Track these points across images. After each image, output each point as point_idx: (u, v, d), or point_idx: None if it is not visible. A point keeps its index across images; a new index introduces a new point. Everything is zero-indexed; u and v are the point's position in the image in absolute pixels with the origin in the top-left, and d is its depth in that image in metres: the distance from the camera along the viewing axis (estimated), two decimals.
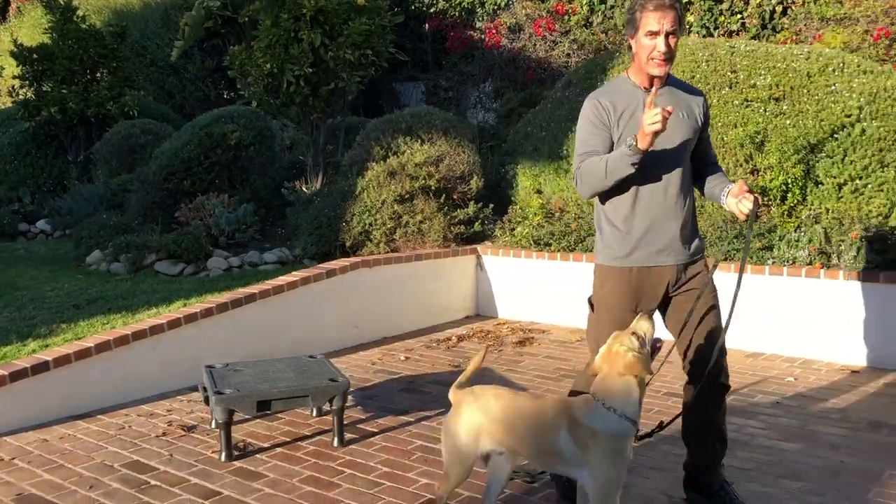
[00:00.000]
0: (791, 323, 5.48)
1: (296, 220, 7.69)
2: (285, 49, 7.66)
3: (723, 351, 3.14)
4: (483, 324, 6.51)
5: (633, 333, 2.76)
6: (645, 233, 3.07)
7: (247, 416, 4.30)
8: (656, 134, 2.80)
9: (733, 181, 3.21)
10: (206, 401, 4.01)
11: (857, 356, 5.22)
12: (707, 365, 3.07)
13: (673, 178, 3.06)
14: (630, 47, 3.06)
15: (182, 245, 6.93)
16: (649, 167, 2.98)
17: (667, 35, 2.94)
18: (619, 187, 3.02)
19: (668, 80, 3.12)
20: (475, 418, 2.84)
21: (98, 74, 11.50)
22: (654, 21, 2.94)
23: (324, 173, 8.44)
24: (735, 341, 5.65)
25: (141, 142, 10.20)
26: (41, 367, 4.36)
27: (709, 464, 3.24)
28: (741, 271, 3.19)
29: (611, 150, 3.04)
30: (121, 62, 11.83)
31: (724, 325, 3.13)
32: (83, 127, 11.33)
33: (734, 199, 3.08)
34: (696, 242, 3.18)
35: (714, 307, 3.17)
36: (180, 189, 8.80)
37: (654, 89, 2.96)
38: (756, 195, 3.08)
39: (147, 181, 8.92)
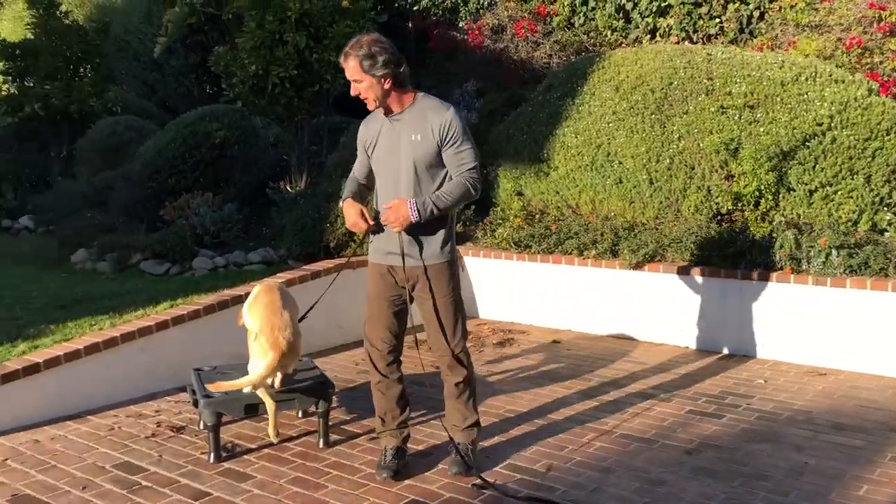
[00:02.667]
0: (762, 326, 5.66)
1: (280, 220, 7.80)
2: (270, 51, 7.75)
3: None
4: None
5: None
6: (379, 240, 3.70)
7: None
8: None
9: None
10: (195, 403, 4.12)
11: (824, 359, 5.41)
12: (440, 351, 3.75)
13: (401, 192, 3.58)
14: None
15: (167, 245, 7.02)
16: (383, 187, 3.66)
17: (354, 81, 3.52)
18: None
19: (415, 101, 3.59)
20: None
21: (81, 70, 11.52)
22: (346, 70, 3.54)
23: (308, 173, 8.54)
24: (707, 344, 5.85)
25: (124, 139, 10.25)
26: (32, 369, 4.45)
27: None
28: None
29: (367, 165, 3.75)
30: (104, 58, 11.87)
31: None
32: (66, 123, 11.36)
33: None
34: (426, 247, 3.63)
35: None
36: (164, 187, 8.87)
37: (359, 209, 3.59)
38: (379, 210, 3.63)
39: (131, 179, 8.99)
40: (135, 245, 7.09)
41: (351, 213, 3.58)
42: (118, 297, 6.04)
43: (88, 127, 11.00)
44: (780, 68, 6.62)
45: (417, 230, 3.58)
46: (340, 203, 3.72)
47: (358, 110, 3.97)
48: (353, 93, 3.58)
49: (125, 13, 14.48)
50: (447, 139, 3.56)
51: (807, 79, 6.49)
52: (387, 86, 3.50)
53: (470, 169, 3.59)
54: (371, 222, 3.59)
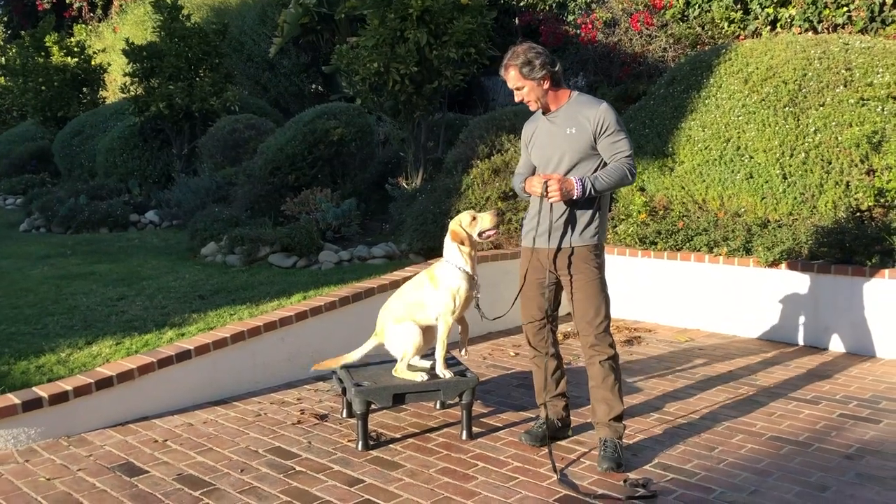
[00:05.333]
0: None
1: (399, 215, 7.89)
2: (391, 48, 7.84)
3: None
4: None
5: (473, 216, 4.04)
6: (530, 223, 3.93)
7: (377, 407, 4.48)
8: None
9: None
10: (344, 392, 4.20)
11: None
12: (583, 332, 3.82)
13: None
14: None
15: (295, 239, 7.20)
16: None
17: (516, 89, 3.75)
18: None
19: (572, 99, 3.79)
20: None
21: (201, 71, 11.96)
22: (507, 80, 3.78)
23: (424, 169, 8.61)
24: (850, 345, 5.59)
25: (244, 136, 10.57)
26: (184, 356, 4.64)
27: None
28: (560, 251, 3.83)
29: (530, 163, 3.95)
30: (222, 59, 12.26)
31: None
32: (188, 121, 11.80)
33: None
34: (575, 230, 3.77)
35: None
36: (285, 183, 9.12)
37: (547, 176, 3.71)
38: (547, 179, 3.66)
39: (253, 175, 9.26)
40: (263, 239, 7.30)
41: (537, 184, 3.71)
42: (252, 289, 6.23)
43: (209, 125, 11.40)
44: None
45: (569, 212, 3.74)
46: (517, 186, 3.99)
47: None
48: (517, 99, 3.82)
49: (239, 15, 14.98)
50: (602, 130, 3.71)
51: None
52: (546, 86, 3.75)
53: (627, 156, 3.73)
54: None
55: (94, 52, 15.55)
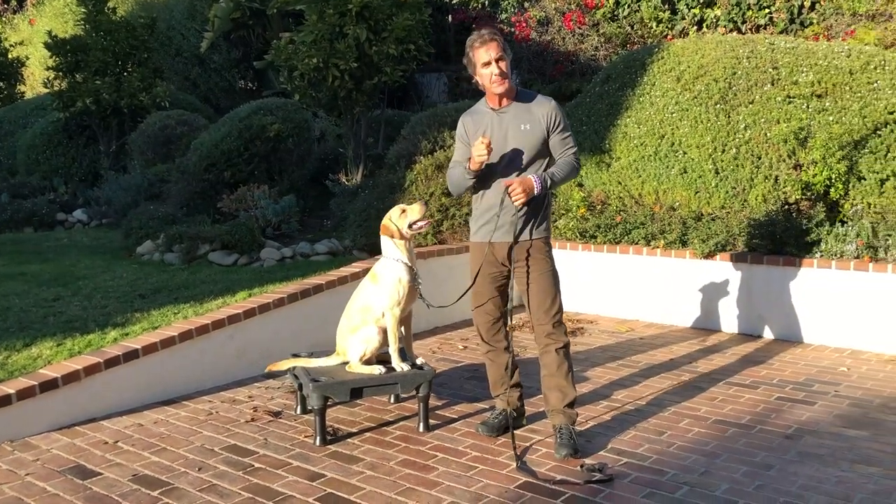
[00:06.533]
0: (839, 315, 5.66)
1: (341, 211, 7.86)
2: (331, 44, 7.81)
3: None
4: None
5: (402, 209, 4.10)
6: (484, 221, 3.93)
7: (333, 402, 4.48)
8: (481, 164, 3.69)
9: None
10: (300, 388, 4.19)
11: None
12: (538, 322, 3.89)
13: (513, 177, 3.80)
14: (477, 83, 3.83)
15: (236, 236, 7.10)
16: (492, 174, 3.81)
17: (496, 61, 3.69)
18: (477, 186, 3.89)
19: (518, 95, 3.85)
20: None
21: (129, 66, 11.63)
22: (483, 54, 3.71)
23: (364, 166, 8.60)
24: (782, 332, 5.85)
25: (176, 132, 10.34)
26: (132, 355, 4.55)
27: None
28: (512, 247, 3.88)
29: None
30: (151, 53, 11.95)
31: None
32: (116, 117, 11.46)
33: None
34: (532, 224, 3.84)
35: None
36: (220, 180, 8.96)
37: (484, 138, 3.69)
38: (508, 185, 3.71)
39: (187, 172, 9.07)
40: (203, 236, 7.17)
41: (480, 146, 3.67)
42: (194, 287, 6.12)
43: (138, 121, 11.10)
44: (848, 57, 6.61)
45: (528, 206, 3.82)
46: (460, 169, 3.90)
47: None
48: (497, 71, 3.72)
49: (167, 9, 14.62)
50: (555, 126, 3.84)
51: (875, 67, 6.48)
52: (509, 70, 3.80)
53: (574, 151, 3.90)
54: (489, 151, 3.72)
55: (11, 45, 14.94)
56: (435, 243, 6.91)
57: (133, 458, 3.89)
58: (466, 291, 4.09)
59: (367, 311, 4.16)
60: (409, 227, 4.13)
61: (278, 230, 7.95)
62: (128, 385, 4.54)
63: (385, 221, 4.18)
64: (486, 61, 3.72)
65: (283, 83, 8.69)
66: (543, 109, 3.83)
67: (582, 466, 3.68)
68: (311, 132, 9.65)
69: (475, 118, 3.94)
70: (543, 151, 3.85)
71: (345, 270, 5.82)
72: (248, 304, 5.25)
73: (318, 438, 4.02)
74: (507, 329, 4.10)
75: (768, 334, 5.92)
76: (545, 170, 3.85)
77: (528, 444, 3.99)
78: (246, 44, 13.56)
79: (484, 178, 3.86)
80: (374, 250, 6.94)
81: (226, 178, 8.93)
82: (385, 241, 4.18)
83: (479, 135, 3.85)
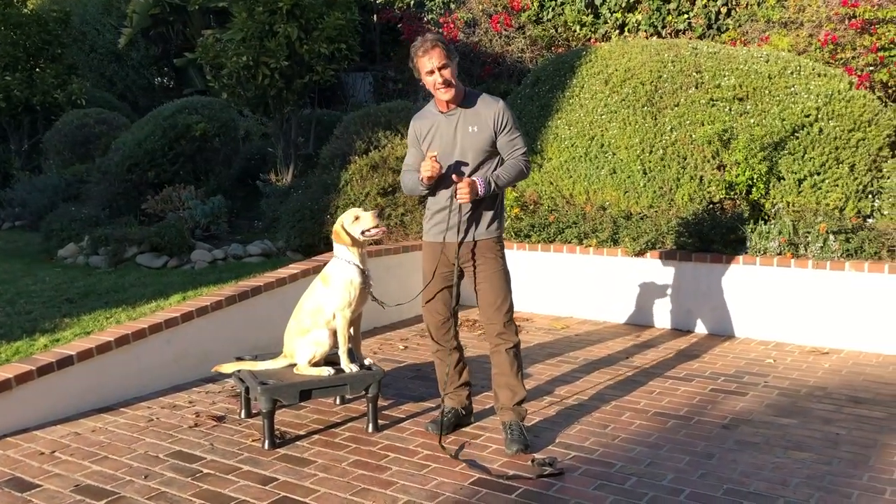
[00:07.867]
0: (764, 309, 5.92)
1: (273, 212, 7.75)
2: (261, 42, 7.69)
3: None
4: (468, 312, 6.75)
5: (356, 216, 4.11)
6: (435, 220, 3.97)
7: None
8: (431, 177, 3.75)
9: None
10: (248, 391, 4.12)
11: (825, 339, 5.70)
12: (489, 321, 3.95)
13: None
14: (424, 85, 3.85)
15: (165, 238, 6.92)
16: (443, 176, 3.81)
17: (439, 69, 3.70)
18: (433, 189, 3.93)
19: (466, 97, 3.86)
20: None
21: (42, 61, 11.18)
22: (426, 62, 3.71)
23: (295, 166, 8.50)
24: (712, 326, 6.08)
25: (95, 132, 10.02)
26: (66, 362, 4.38)
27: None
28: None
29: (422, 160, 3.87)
30: (64, 49, 11.52)
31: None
32: (28, 115, 11.00)
33: None
34: (480, 224, 3.89)
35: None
36: (144, 180, 8.74)
37: (431, 155, 3.75)
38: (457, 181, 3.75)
39: (109, 172, 8.80)
40: (130, 238, 6.96)
41: (427, 163, 3.75)
42: (124, 291, 5.94)
43: (52, 120, 10.70)
44: (767, 62, 6.91)
45: (474, 208, 3.86)
46: (409, 181, 3.98)
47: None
48: (433, 83, 3.76)
49: (81, 3, 14.10)
50: (502, 128, 3.87)
51: (792, 72, 6.80)
52: (455, 73, 3.78)
53: (523, 153, 3.91)
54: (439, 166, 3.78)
55: None
56: (371, 243, 6.88)
57: (73, 467, 3.75)
58: (423, 290, 4.10)
59: (318, 314, 4.13)
60: (362, 233, 4.12)
61: (207, 231, 7.79)
62: (62, 393, 4.38)
63: (336, 228, 4.15)
64: (429, 70, 3.73)
65: (209, 81, 8.51)
66: (491, 110, 3.85)
67: (533, 461, 3.75)
68: (237, 131, 9.50)
69: (424, 122, 3.98)
70: (493, 152, 3.89)
71: (282, 272, 5.75)
72: (184, 307, 5.13)
73: (266, 442, 3.96)
74: (456, 329, 4.13)
75: (699, 329, 6.15)
76: (495, 170, 3.89)
77: (478, 441, 4.03)
78: (165, 40, 13.21)
79: (436, 180, 3.88)
80: (309, 251, 6.89)
81: (150, 179, 8.71)
82: (338, 245, 4.17)
83: (430, 139, 3.91)
